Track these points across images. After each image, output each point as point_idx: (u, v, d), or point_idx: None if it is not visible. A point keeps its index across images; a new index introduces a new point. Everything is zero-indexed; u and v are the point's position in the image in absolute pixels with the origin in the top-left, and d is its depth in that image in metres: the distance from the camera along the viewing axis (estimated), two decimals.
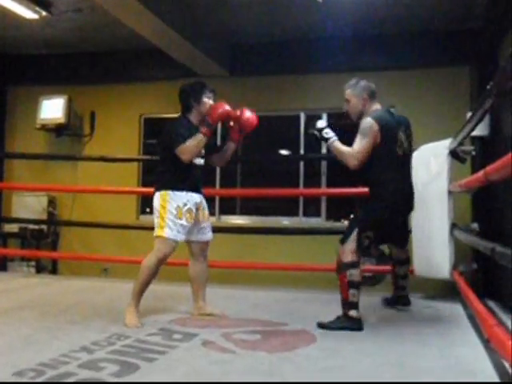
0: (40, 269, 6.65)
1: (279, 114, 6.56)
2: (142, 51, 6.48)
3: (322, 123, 3.38)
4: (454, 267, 4.18)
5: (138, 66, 6.81)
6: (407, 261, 3.91)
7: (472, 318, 3.40)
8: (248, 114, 3.50)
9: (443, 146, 4.25)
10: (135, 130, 6.91)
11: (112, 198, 6.49)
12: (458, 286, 3.94)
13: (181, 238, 3.35)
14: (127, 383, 2.19)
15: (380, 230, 3.35)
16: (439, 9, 5.26)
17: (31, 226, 6.55)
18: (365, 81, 3.46)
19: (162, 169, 3.45)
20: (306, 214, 6.29)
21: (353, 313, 3.21)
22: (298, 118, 6.34)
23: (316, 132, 3.36)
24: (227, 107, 3.35)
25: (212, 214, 6.57)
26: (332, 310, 3.92)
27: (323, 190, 6.21)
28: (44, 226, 6.72)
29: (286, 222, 6.36)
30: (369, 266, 5.76)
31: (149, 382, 2.23)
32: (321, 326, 3.24)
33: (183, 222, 3.31)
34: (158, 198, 3.35)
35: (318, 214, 6.26)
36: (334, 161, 6.08)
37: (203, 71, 6.25)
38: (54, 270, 6.80)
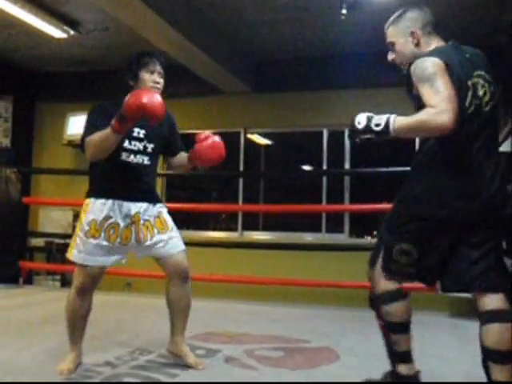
0: (65, 283, 6.72)
1: (302, 130, 6.58)
2: (166, 68, 6.55)
3: (359, 121, 2.30)
4: None
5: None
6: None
7: None
8: (210, 143, 2.68)
9: None
10: None
11: None
12: None
13: (94, 262, 2.57)
14: None
15: (426, 245, 2.12)
16: (463, 24, 5.23)
17: (57, 241, 6.64)
18: (416, 9, 2.35)
19: (90, 170, 2.61)
20: (329, 230, 6.26)
21: (401, 368, 2.27)
22: (320, 134, 6.34)
23: (363, 136, 2.25)
24: (152, 99, 2.31)
25: (235, 229, 6.65)
26: (355, 327, 3.90)
27: (346, 205, 6.19)
28: (69, 241, 6.80)
29: (309, 237, 6.34)
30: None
31: None
32: None
33: (98, 241, 2.53)
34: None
35: (341, 230, 6.22)
36: (357, 176, 6.13)
37: (227, 88, 6.31)
38: None
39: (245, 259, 6.02)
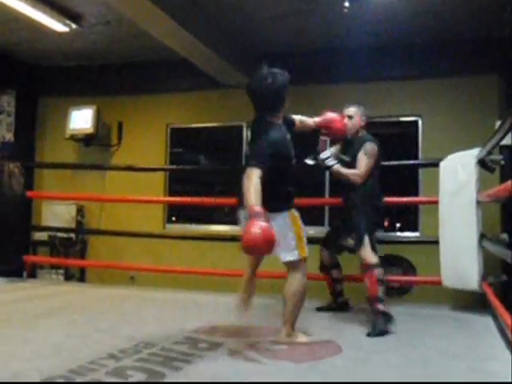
0: (68, 276, 6.75)
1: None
2: (168, 62, 6.56)
3: (325, 154, 3.90)
4: (484, 278, 4.11)
5: (164, 77, 6.89)
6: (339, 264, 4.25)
7: (502, 331, 3.34)
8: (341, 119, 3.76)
9: (471, 155, 4.19)
10: (162, 140, 6.99)
11: (139, 207, 6.57)
12: (488, 298, 3.87)
13: None
14: None
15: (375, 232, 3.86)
16: (466, 17, 5.21)
17: (60, 235, 6.66)
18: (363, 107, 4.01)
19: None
20: (331, 224, 6.24)
21: (381, 306, 3.51)
22: None
23: (318, 162, 3.91)
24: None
25: (234, 223, 6.64)
26: (357, 320, 3.90)
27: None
28: (72, 235, 6.83)
29: (311, 231, 6.32)
30: (395, 277, 5.72)
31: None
32: (370, 335, 3.34)
33: None
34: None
35: None
36: None
37: (229, 81, 6.30)
38: (81, 278, 6.89)
39: None
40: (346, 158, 3.89)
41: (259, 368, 2.56)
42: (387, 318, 3.48)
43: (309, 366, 2.60)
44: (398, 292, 5.69)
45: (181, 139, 7.15)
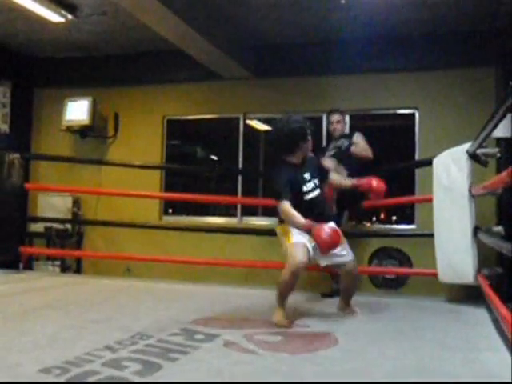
0: (65, 268, 6.75)
1: (302, 116, 6.54)
2: (165, 53, 6.53)
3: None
4: (479, 271, 4.13)
5: (161, 68, 6.87)
6: None
7: (497, 323, 3.35)
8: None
9: (462, 150, 4.21)
10: (158, 132, 6.97)
11: (135, 199, 6.57)
12: (483, 290, 3.89)
13: None
14: (149, 383, 2.22)
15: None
16: (463, 8, 5.20)
17: (56, 226, 6.65)
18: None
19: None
20: None
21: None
22: (320, 119, 6.32)
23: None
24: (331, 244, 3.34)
25: (234, 215, 6.66)
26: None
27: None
28: (69, 226, 6.82)
29: None
30: (392, 269, 5.74)
31: (171, 382, 2.25)
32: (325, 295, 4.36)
33: None
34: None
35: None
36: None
37: (227, 73, 6.28)
38: (78, 270, 6.89)
39: (244, 244, 6.04)
40: (331, 152, 4.98)
41: (255, 359, 2.57)
42: None
43: (304, 358, 2.61)
44: (394, 284, 5.71)
45: (177, 131, 7.13)
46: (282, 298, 3.42)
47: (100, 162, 6.83)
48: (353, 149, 4.90)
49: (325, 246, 3.28)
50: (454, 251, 4.18)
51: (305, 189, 3.53)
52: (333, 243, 3.27)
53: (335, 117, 5.11)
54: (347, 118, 6.02)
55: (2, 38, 6.51)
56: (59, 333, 2.97)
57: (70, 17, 5.54)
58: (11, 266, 5.69)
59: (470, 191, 4.08)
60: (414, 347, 2.88)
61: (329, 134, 6.02)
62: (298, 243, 3.35)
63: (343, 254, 3.53)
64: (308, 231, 3.35)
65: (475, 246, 4.11)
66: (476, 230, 4.09)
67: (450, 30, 5.70)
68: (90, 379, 2.19)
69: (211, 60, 5.98)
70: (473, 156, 4.09)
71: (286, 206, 3.38)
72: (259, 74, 6.42)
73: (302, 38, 6.13)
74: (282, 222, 3.56)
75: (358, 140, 4.92)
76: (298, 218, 3.37)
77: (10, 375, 2.23)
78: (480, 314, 3.83)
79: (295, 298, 4.46)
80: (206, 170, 7.31)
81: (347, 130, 5.39)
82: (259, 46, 6.41)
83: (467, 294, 4.52)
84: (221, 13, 5.49)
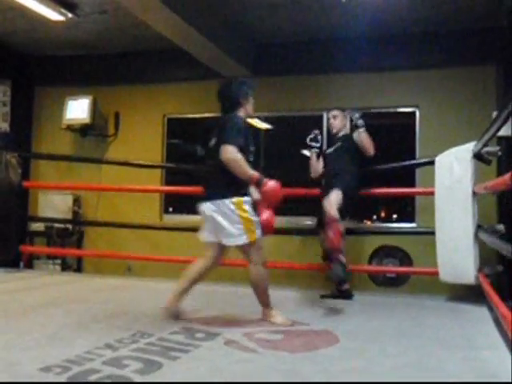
0: (65, 267, 6.76)
1: (302, 114, 6.55)
2: (165, 52, 6.53)
3: (357, 116, 4.54)
4: (479, 270, 4.13)
5: (161, 67, 6.86)
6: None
7: (497, 321, 3.35)
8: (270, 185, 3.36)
9: (466, 149, 4.21)
10: (159, 130, 6.97)
11: (136, 197, 6.57)
12: (483, 289, 3.89)
13: None
14: (149, 383, 2.22)
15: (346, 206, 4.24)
16: (464, 6, 5.19)
17: (57, 225, 6.65)
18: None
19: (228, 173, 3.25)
20: None
21: (342, 257, 3.99)
22: (320, 118, 6.32)
23: (359, 120, 4.51)
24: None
25: None
26: (354, 310, 3.92)
27: None
28: (69, 225, 6.82)
29: (308, 222, 6.34)
30: (392, 268, 5.74)
31: (171, 382, 2.25)
32: (336, 281, 4.18)
33: None
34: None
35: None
36: None
37: (226, 71, 6.27)
38: (78, 268, 6.90)
39: None
40: (330, 150, 4.76)
41: (255, 358, 2.57)
42: (344, 267, 4.00)
43: (304, 356, 2.61)
44: (394, 282, 5.71)
45: (178, 129, 7.13)
46: (267, 295, 3.37)
47: (99, 161, 6.83)
48: (355, 136, 4.64)
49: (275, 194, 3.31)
50: (456, 251, 4.17)
51: (251, 149, 3.37)
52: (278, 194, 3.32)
53: (332, 112, 4.92)
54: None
55: (2, 37, 6.51)
56: (60, 331, 2.97)
57: (70, 15, 5.53)
58: (12, 264, 5.70)
59: (473, 190, 4.07)
60: (415, 346, 2.88)
61: (329, 132, 6.04)
62: (260, 238, 3.28)
63: (232, 232, 3.23)
64: (256, 184, 3.25)
65: (477, 246, 4.11)
66: (478, 229, 4.09)
67: (451, 29, 5.70)
68: (91, 378, 2.19)
69: (211, 58, 5.97)
70: (477, 155, 4.09)
71: (236, 151, 3.15)
72: (259, 72, 6.41)
73: (302, 37, 6.13)
74: (232, 192, 3.22)
75: (361, 138, 4.60)
76: (247, 167, 3.20)
77: (10, 374, 2.23)
78: (480, 313, 3.83)
79: (295, 297, 4.48)
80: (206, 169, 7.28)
81: (348, 129, 5.02)
82: (259, 44, 6.41)
83: (468, 293, 4.53)
84: (221, 11, 5.48)
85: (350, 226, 6.05)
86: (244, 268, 5.67)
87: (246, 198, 3.25)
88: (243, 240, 3.22)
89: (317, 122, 6.36)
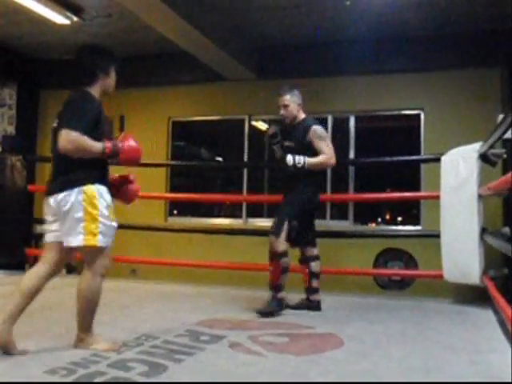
0: (70, 269, 6.76)
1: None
2: (170, 55, 6.54)
3: (290, 160, 3.83)
4: (485, 272, 4.12)
5: (166, 70, 6.88)
6: (318, 257, 4.12)
7: (503, 324, 3.34)
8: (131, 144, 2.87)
9: (472, 149, 4.20)
10: (164, 133, 6.98)
11: (141, 200, 6.56)
12: (489, 292, 3.87)
13: (110, 244, 2.70)
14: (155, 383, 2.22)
15: (302, 221, 3.88)
16: (469, 9, 5.18)
17: None
18: (299, 91, 4.09)
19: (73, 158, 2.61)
20: (333, 217, 6.25)
21: (281, 294, 3.79)
22: (325, 120, 6.31)
23: (293, 169, 3.83)
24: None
25: (239, 216, 6.66)
26: (359, 314, 3.91)
27: (350, 195, 6.14)
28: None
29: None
30: (397, 270, 5.73)
31: (176, 382, 2.25)
32: (261, 313, 3.67)
33: (115, 223, 2.71)
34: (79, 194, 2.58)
35: (345, 217, 6.21)
36: (362, 164, 6.11)
37: (231, 74, 6.28)
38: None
39: (249, 246, 6.03)
40: (291, 144, 4.01)
41: (260, 360, 2.57)
42: (280, 304, 3.78)
43: (309, 359, 2.61)
44: (399, 285, 5.70)
45: (182, 132, 7.14)
46: (93, 316, 2.76)
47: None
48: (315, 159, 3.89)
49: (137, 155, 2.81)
50: (461, 251, 4.17)
51: (112, 137, 2.80)
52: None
53: (280, 100, 4.07)
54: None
55: (8, 40, 6.54)
56: (65, 334, 2.98)
57: (75, 19, 5.55)
58: (17, 267, 5.71)
59: (478, 191, 4.07)
60: (420, 349, 2.88)
61: (333, 134, 6.05)
62: (107, 247, 2.69)
63: (72, 231, 2.59)
64: (110, 156, 2.68)
65: (482, 247, 4.09)
66: (483, 231, 4.08)
67: (456, 31, 5.69)
68: (96, 380, 2.20)
69: (216, 61, 5.99)
70: (483, 156, 4.08)
71: (79, 134, 2.52)
72: (264, 75, 6.42)
73: (306, 40, 6.13)
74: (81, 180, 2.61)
75: (317, 145, 3.89)
76: (93, 142, 2.58)
77: (15, 377, 2.24)
78: (486, 316, 3.82)
79: (297, 298, 4.47)
80: (212, 167, 7.28)
81: (303, 115, 4.10)
82: (263, 47, 6.41)
83: (473, 296, 4.51)
84: (225, 14, 5.49)
85: (355, 228, 6.09)
86: (254, 271, 5.67)
87: (100, 187, 2.63)
88: (78, 241, 2.60)
89: (322, 124, 6.35)
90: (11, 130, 7.11)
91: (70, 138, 2.53)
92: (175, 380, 2.26)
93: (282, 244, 3.77)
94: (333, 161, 3.91)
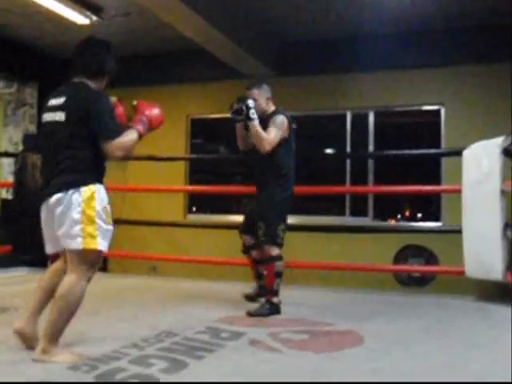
0: None
1: (325, 114, 6.52)
2: (188, 52, 6.55)
3: (252, 103, 3.73)
4: (508, 268, 4.06)
5: (184, 68, 6.90)
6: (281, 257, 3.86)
7: None
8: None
9: (495, 144, 4.13)
10: (182, 131, 7.01)
11: (160, 197, 6.61)
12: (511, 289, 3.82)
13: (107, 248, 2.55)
14: (174, 383, 2.23)
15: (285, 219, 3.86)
16: (489, 2, 5.10)
17: None
18: (268, 85, 4.06)
19: (75, 156, 2.58)
20: (352, 214, 6.21)
21: (275, 299, 3.69)
22: (344, 116, 6.28)
23: (244, 108, 3.70)
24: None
25: None
26: (379, 311, 3.89)
27: (370, 187, 6.10)
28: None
29: (332, 220, 6.30)
30: (417, 267, 5.68)
31: (196, 382, 2.26)
32: (251, 314, 3.57)
33: (112, 227, 2.58)
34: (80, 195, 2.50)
35: (365, 213, 6.17)
36: (381, 158, 6.07)
37: (249, 71, 6.27)
38: (104, 268, 6.96)
39: None
40: None
41: (280, 357, 2.57)
42: (275, 309, 3.67)
43: (329, 356, 2.60)
44: (420, 282, 5.65)
45: (201, 130, 7.16)
46: (66, 325, 2.48)
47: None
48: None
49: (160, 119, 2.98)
50: (483, 246, 4.11)
51: None
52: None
53: (247, 94, 3.94)
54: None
55: (29, 40, 6.62)
56: (86, 331, 3.01)
57: (94, 18, 5.60)
58: (40, 264, 5.78)
59: (501, 187, 4.01)
60: (441, 346, 2.85)
61: (352, 131, 6.02)
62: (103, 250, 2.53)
63: (73, 233, 2.48)
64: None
65: (505, 243, 4.03)
66: (506, 227, 4.02)
67: (476, 25, 5.60)
68: (118, 376, 2.22)
69: (234, 58, 5.98)
70: (506, 151, 4.03)
71: (119, 139, 2.57)
72: (282, 72, 6.39)
73: (324, 36, 6.09)
74: (82, 180, 2.54)
75: (269, 129, 3.76)
76: (130, 135, 2.67)
77: (39, 372, 2.27)
78: (508, 313, 3.77)
79: (319, 297, 4.45)
80: (230, 159, 7.24)
81: (272, 107, 4.01)
82: (282, 43, 6.39)
83: (496, 293, 4.46)
84: (243, 11, 5.49)
85: (374, 224, 6.05)
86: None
87: (98, 188, 2.54)
88: (77, 244, 2.47)
89: (341, 120, 6.33)
90: (33, 128, 7.20)
91: (118, 146, 2.55)
92: (195, 376, 2.27)
93: (276, 248, 3.73)
94: (268, 147, 3.69)
